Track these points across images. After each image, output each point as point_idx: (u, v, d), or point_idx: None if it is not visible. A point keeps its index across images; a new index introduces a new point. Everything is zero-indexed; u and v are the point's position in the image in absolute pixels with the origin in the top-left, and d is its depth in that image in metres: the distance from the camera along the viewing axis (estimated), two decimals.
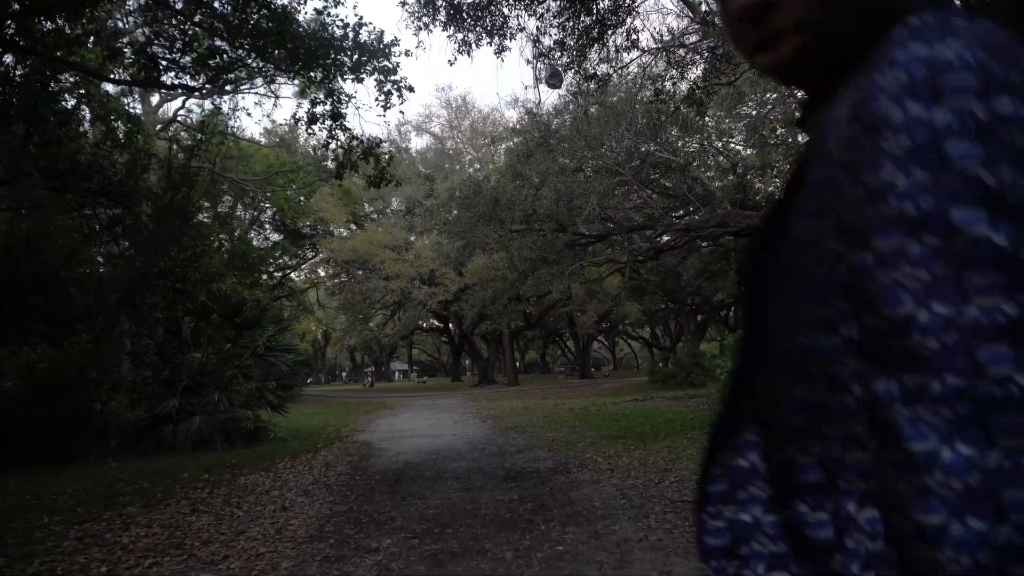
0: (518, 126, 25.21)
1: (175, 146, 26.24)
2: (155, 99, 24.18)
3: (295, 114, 16.35)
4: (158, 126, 24.55)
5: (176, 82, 10.08)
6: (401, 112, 11.63)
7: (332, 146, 11.61)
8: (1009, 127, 0.52)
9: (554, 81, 12.53)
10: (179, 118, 26.83)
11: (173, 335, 14.18)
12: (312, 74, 10.08)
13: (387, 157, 11.90)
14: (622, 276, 38.31)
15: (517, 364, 60.11)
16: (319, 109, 11.17)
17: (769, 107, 23.50)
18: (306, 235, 39.71)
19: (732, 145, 26.74)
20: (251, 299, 15.18)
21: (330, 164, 12.38)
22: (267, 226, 39.71)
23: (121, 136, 12.98)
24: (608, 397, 23.25)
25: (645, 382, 31.15)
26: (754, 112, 24.12)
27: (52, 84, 12.15)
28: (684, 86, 16.82)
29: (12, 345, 12.96)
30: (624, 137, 20.96)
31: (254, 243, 38.82)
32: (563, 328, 61.31)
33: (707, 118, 22.34)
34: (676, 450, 9.53)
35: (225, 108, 26.75)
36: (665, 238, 33.12)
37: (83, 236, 13.82)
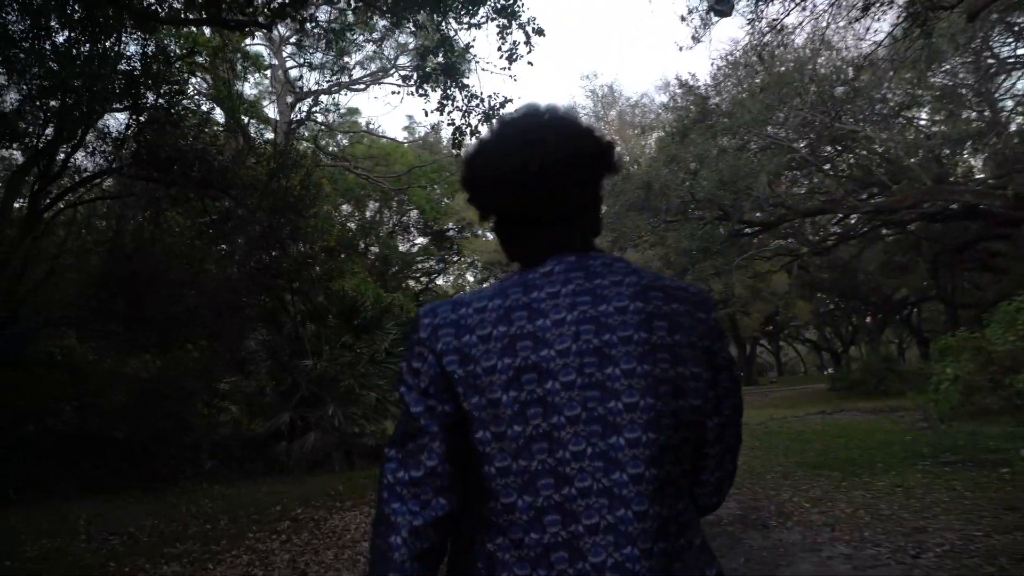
0: (671, 103, 22.56)
1: (308, 144, 25.57)
2: (289, 98, 23.44)
3: (406, 75, 14.53)
4: (292, 124, 23.79)
5: (240, 19, 8.39)
6: (530, 63, 9.18)
7: (447, 109, 9.67)
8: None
9: (723, 6, 9.95)
10: (314, 115, 25.98)
11: (290, 340, 12.74)
12: (418, 17, 8.19)
13: None
14: (788, 274, 34.68)
15: None
16: (430, 66, 9.25)
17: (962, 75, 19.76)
18: (450, 238, 38.59)
19: (922, 117, 22.93)
20: (394, 303, 13.59)
21: (446, 134, 10.57)
22: (412, 230, 38.90)
23: (223, 123, 11.69)
24: (784, 408, 20.20)
25: (824, 390, 27.57)
26: (948, 81, 20.34)
27: (156, 65, 10.99)
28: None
29: (119, 354, 11.92)
30: (798, 108, 18.00)
31: (399, 248, 38.13)
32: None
33: (892, 86, 18.96)
34: (915, 492, 6.84)
35: (360, 104, 25.73)
36: (836, 230, 29.40)
37: (196, 232, 12.63)
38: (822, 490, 7.26)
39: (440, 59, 9.24)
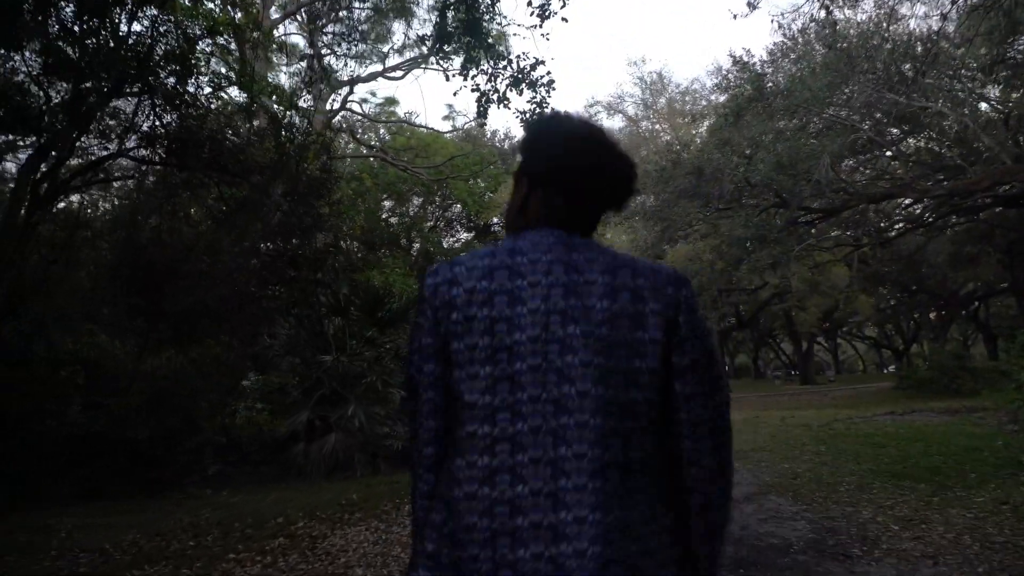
0: (723, 82, 21.24)
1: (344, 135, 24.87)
2: (324, 87, 22.75)
3: (424, 35, 13.48)
4: (328, 114, 23.10)
5: None
6: (564, 20, 8.11)
7: (472, 73, 8.66)
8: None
9: None
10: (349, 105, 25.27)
11: (314, 335, 11.93)
12: None
13: (548, 82, 8.61)
14: (848, 267, 32.97)
15: (727, 369, 55.29)
16: (450, 23, 8.26)
17: None
18: (495, 233, 37.71)
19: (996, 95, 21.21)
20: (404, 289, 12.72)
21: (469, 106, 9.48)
22: (457, 226, 38.09)
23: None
24: (848, 408, 18.82)
25: (888, 389, 26.02)
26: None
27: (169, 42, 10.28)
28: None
29: (137, 350, 11.25)
30: (863, 85, 16.63)
31: (443, 245, 37.36)
32: (777, 328, 55.59)
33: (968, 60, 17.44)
34: None
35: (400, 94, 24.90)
36: (900, 220, 27.67)
37: (214, 221, 11.90)
38: (910, 507, 6.11)
39: (462, 15, 8.25)
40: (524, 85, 8.51)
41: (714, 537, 1.34)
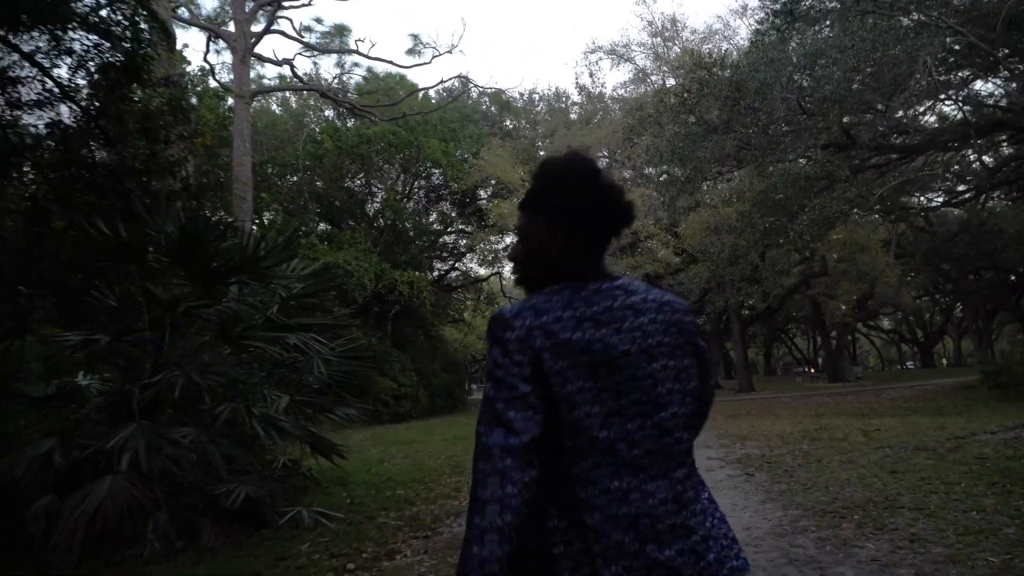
0: None
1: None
2: (250, 4, 17.77)
3: None
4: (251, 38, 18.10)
5: None
6: None
7: None
8: None
9: None
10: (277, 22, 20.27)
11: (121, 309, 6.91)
12: None
13: None
14: (886, 248, 28.10)
15: (733, 364, 50.01)
16: None
17: None
18: (480, 207, 32.73)
19: None
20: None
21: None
22: (434, 196, 32.99)
23: None
24: (922, 416, 14.01)
25: (954, 387, 21.05)
26: None
27: None
28: None
29: None
30: None
31: (423, 221, 32.37)
32: (796, 319, 50.71)
33: None
34: None
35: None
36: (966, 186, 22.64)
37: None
38: None
39: None
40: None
41: None
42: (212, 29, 18.93)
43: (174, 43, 14.36)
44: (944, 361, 68.05)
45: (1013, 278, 35.43)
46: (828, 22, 13.47)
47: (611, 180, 1.56)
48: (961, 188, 23.39)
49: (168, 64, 12.20)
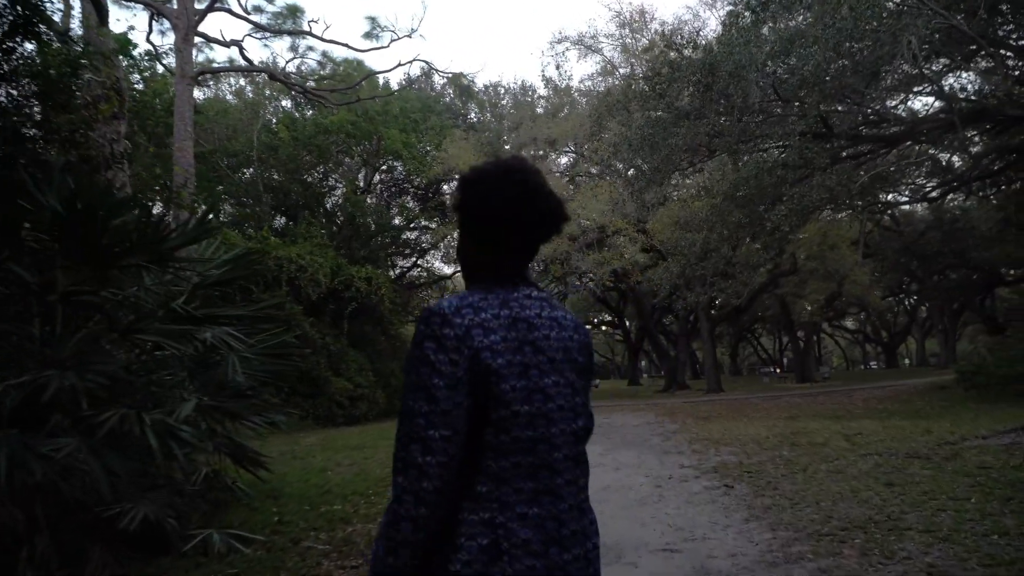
0: None
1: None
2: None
3: None
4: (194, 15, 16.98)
5: None
6: None
7: None
8: None
9: None
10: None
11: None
12: None
13: None
14: (855, 245, 27.66)
15: (700, 364, 49.58)
16: None
17: None
18: (446, 202, 31.67)
19: None
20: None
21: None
22: (407, 198, 31.82)
23: None
24: (901, 418, 13.41)
25: (926, 387, 20.56)
26: None
27: None
28: None
29: None
30: None
31: (396, 222, 31.25)
32: (763, 319, 50.45)
33: None
34: None
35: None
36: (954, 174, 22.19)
37: None
38: None
39: None
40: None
41: None
42: (154, 6, 17.74)
43: (106, 16, 13.24)
44: (907, 361, 68.44)
45: (975, 276, 35.23)
46: (804, 7, 12.78)
47: (534, 185, 1.54)
48: (932, 184, 22.93)
49: (97, 39, 11.15)
